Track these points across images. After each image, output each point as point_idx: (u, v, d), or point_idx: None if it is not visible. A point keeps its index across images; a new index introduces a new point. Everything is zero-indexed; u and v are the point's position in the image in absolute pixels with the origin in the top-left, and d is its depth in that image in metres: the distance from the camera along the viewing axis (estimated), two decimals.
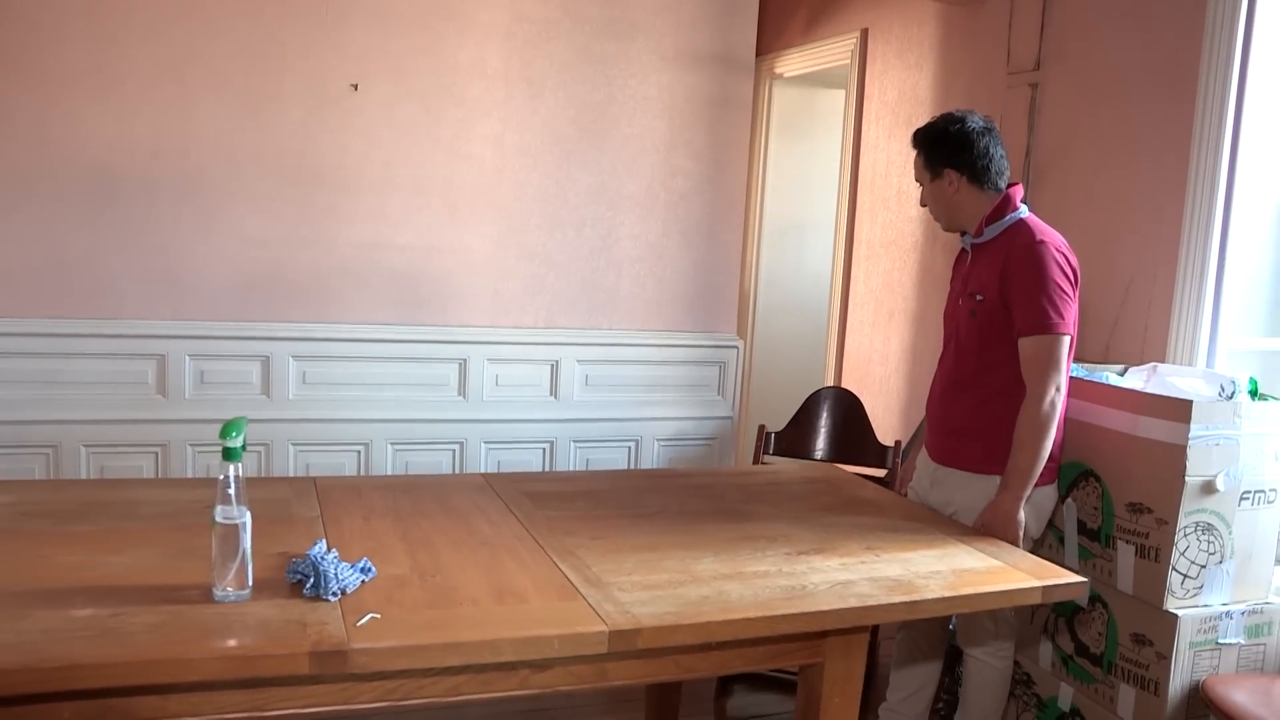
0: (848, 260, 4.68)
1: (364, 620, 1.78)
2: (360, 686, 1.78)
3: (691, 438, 4.03)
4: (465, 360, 3.76)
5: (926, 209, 2.85)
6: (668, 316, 3.97)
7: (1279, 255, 3.16)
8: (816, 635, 2.09)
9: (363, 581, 1.93)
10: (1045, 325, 2.53)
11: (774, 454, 3.75)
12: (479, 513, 2.46)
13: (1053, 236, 2.62)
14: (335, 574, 1.87)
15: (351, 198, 3.62)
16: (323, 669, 1.68)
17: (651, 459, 3.98)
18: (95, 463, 3.49)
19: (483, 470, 3.79)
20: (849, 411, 3.79)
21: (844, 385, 4.48)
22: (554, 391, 3.86)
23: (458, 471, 3.78)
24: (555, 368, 3.86)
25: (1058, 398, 2.56)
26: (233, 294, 3.56)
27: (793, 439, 3.78)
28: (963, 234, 2.82)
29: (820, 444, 3.76)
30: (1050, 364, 2.54)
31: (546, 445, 3.86)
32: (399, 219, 3.66)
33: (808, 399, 3.81)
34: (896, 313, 4.38)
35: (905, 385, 4.31)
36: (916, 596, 2.07)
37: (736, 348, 4.05)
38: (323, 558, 1.91)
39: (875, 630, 3.37)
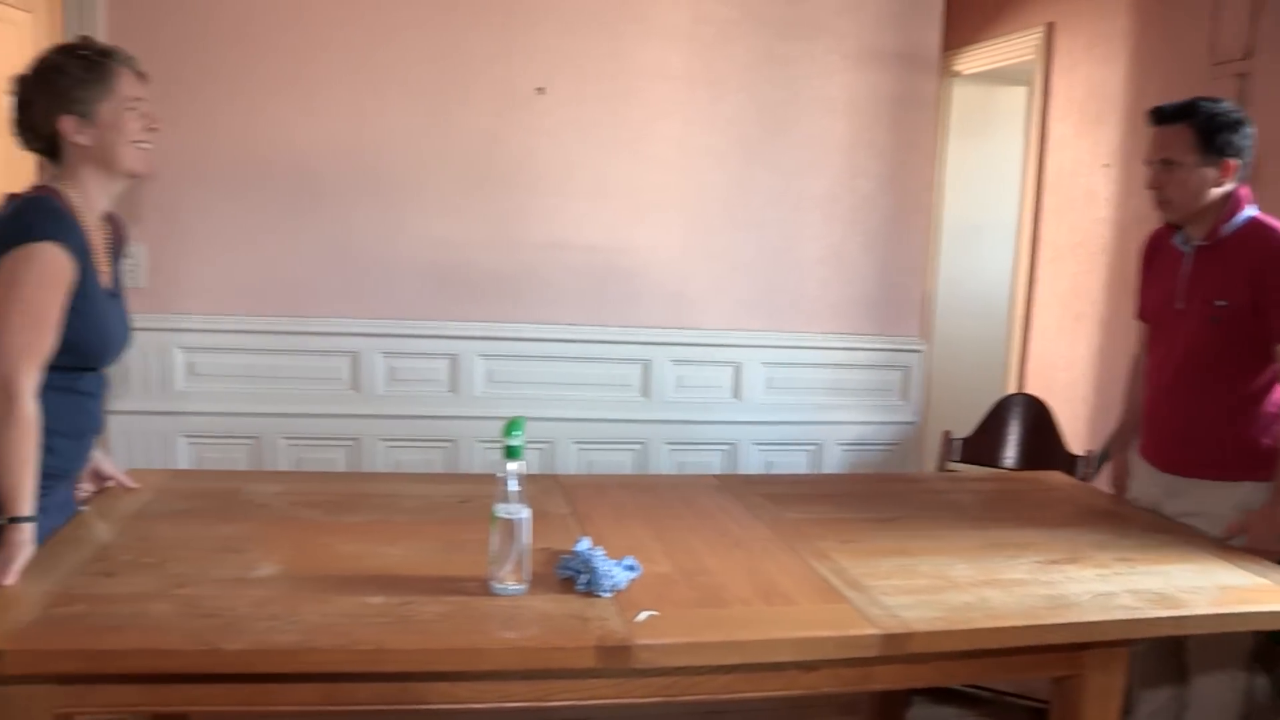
0: (1032, 263, 4.56)
1: (643, 617, 1.79)
2: (637, 681, 1.78)
3: (873, 443, 3.97)
4: (648, 361, 3.75)
5: (1159, 190, 2.65)
6: (850, 319, 3.92)
7: None
8: (1078, 647, 2.02)
9: (631, 579, 1.94)
10: None
11: (960, 461, 3.67)
12: (725, 514, 2.46)
13: None
14: (607, 571, 1.88)
15: (536, 199, 3.65)
16: (606, 663, 1.70)
17: (833, 463, 3.93)
18: (293, 455, 3.58)
19: (664, 470, 3.78)
20: (1038, 419, 3.68)
21: (1027, 391, 4.37)
22: (737, 393, 3.84)
23: (639, 471, 3.77)
24: (738, 370, 3.83)
25: None
26: (422, 293, 3.62)
27: (979, 446, 3.69)
28: (1176, 232, 2.73)
29: (1009, 452, 3.66)
30: None
31: (728, 447, 3.84)
32: (583, 220, 3.68)
33: (995, 405, 3.72)
34: (1084, 317, 4.26)
35: (1093, 392, 4.19)
36: (1183, 611, 1.99)
37: (920, 351, 3.98)
38: (593, 554, 1.92)
39: None
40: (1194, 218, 2.64)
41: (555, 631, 1.73)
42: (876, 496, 2.73)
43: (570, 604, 1.84)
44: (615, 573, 1.91)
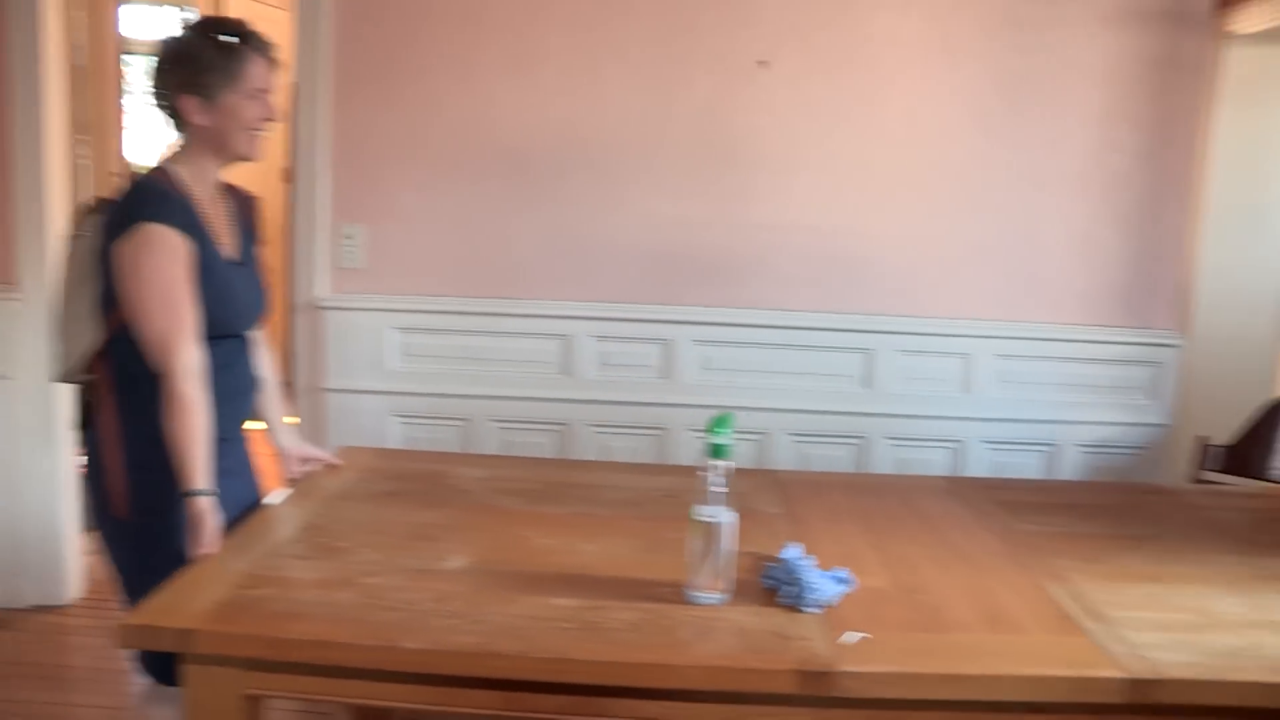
0: None
1: (851, 638, 1.62)
2: (838, 712, 1.58)
3: (1118, 445, 3.61)
4: (872, 351, 3.53)
5: None
6: (1096, 309, 3.57)
7: None
8: None
9: (841, 594, 1.76)
10: None
11: (1217, 472, 3.29)
12: (951, 521, 2.25)
13: None
14: (815, 583, 1.71)
15: (757, 178, 3.48)
16: (805, 689, 1.54)
17: (1071, 467, 3.60)
18: (502, 438, 3.56)
19: (884, 468, 3.56)
20: None
21: None
22: (966, 387, 3.56)
23: (857, 468, 3.56)
24: (968, 362, 3.55)
25: None
26: (636, 276, 3.52)
27: (1242, 455, 3.30)
28: None
29: (1278, 463, 3.26)
30: None
31: (956, 446, 3.57)
32: (807, 200, 3.48)
33: (1267, 410, 3.32)
34: None
35: None
36: None
37: (1176, 346, 3.59)
38: (801, 564, 1.75)
39: None
40: None
41: (751, 650, 1.58)
42: (1125, 510, 2.45)
43: (772, 618, 1.69)
44: (824, 586, 1.74)
